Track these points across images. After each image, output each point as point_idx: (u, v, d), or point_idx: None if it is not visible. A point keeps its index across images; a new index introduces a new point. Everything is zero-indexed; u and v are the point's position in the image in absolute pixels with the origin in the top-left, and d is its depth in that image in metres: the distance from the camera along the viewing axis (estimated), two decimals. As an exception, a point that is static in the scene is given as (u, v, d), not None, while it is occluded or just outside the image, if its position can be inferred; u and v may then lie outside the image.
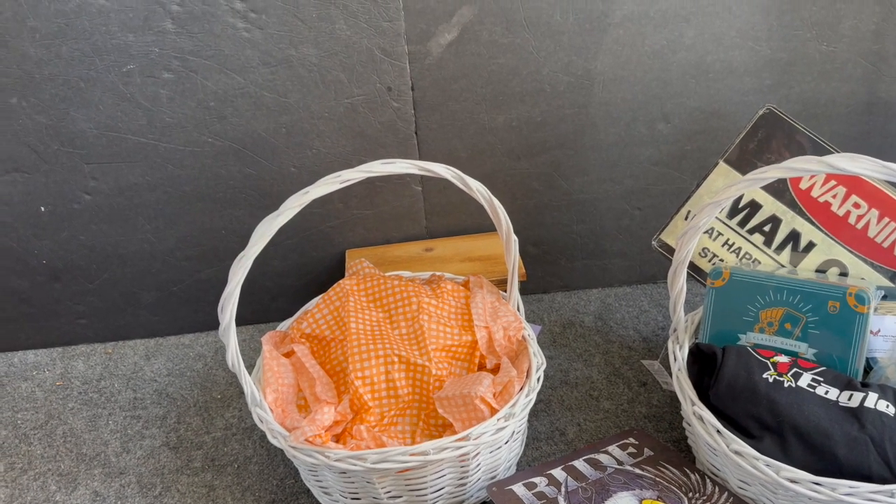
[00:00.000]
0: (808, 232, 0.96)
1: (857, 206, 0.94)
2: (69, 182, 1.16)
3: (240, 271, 0.78)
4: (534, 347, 0.94)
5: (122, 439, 1.08)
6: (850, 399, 0.80)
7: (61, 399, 1.18)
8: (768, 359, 0.86)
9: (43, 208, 1.18)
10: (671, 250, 1.02)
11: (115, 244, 1.22)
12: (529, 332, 0.97)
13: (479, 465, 0.86)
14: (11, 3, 1.02)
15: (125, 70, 1.08)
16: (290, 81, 1.12)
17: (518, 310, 1.00)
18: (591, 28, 1.12)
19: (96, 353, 1.29)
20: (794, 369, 0.84)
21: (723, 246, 0.99)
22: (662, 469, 0.86)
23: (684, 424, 0.94)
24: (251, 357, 1.24)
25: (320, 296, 1.03)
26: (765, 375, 0.83)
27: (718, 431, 0.80)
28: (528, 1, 1.10)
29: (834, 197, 0.95)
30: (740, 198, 0.99)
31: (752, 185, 0.77)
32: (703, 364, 0.89)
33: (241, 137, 1.15)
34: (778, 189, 0.97)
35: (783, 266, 0.96)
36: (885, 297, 0.92)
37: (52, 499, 0.99)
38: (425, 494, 0.85)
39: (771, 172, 0.75)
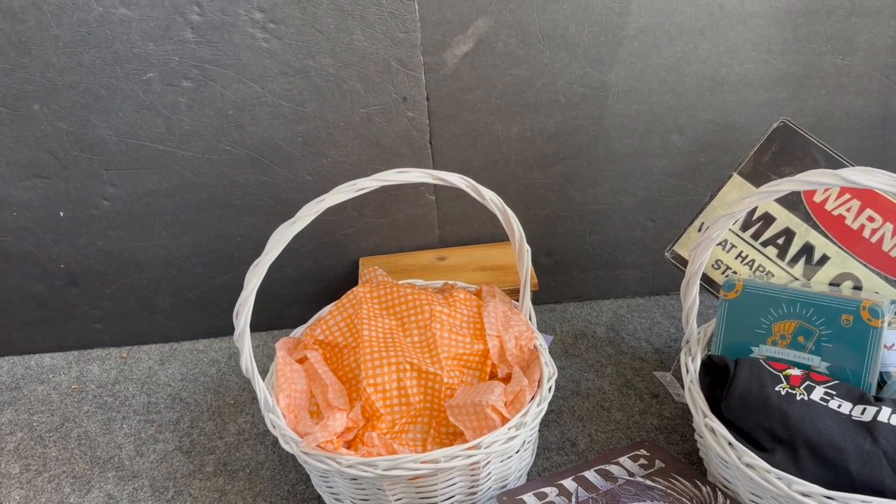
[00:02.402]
0: (821, 245, 0.95)
1: (871, 219, 0.93)
2: (88, 188, 1.18)
3: (255, 278, 0.79)
4: (545, 357, 0.94)
5: (135, 443, 1.09)
6: (863, 413, 0.79)
7: (76, 402, 1.19)
8: (781, 371, 0.85)
9: (62, 213, 1.20)
10: (684, 262, 1.02)
11: (132, 250, 1.24)
12: (541, 342, 0.98)
13: (489, 474, 0.86)
14: (35, 11, 1.04)
15: (145, 78, 1.10)
16: (308, 91, 1.13)
17: (530, 319, 1.00)
18: (606, 40, 1.13)
19: (111, 358, 1.30)
20: (807, 382, 0.84)
21: (736, 258, 0.99)
22: (673, 481, 0.86)
23: (696, 436, 0.94)
24: (264, 363, 1.25)
25: (334, 303, 1.03)
26: (777, 388, 0.83)
27: (730, 444, 0.80)
28: (543, 13, 1.10)
29: (848, 210, 0.94)
30: (754, 210, 0.99)
31: (766, 198, 0.77)
32: (716, 376, 0.89)
33: (258, 146, 1.17)
34: (792, 202, 0.97)
35: (797, 279, 0.96)
36: (899, 312, 0.91)
37: (66, 501, 1.00)
38: (436, 502, 0.85)
39: (785, 185, 0.75)
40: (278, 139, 1.17)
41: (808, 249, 0.96)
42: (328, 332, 0.99)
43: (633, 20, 1.12)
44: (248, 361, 0.82)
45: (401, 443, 0.90)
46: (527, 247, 0.93)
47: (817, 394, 0.82)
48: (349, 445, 0.89)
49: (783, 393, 0.82)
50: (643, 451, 0.93)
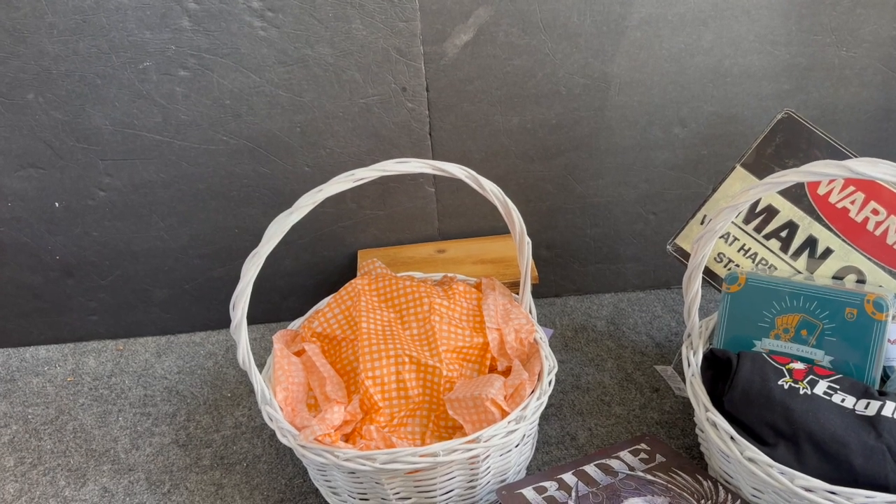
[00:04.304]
0: (825, 238, 0.94)
1: (875, 212, 0.92)
2: (84, 178, 1.17)
3: (252, 269, 0.78)
4: (545, 351, 0.93)
5: (131, 436, 1.08)
6: (866, 407, 0.79)
7: (72, 395, 1.18)
8: (784, 365, 0.85)
9: (57, 204, 1.19)
10: (686, 255, 1.01)
11: (129, 241, 1.23)
12: (541, 336, 0.97)
13: (488, 468, 0.85)
14: (30, -1, 1.03)
15: (141, 67, 1.09)
16: (306, 80, 1.12)
17: (530, 313, 0.99)
18: (609, 31, 1.12)
19: (107, 350, 1.29)
20: (810, 376, 0.83)
21: (739, 251, 0.98)
22: (674, 475, 0.85)
23: (697, 431, 0.93)
24: (261, 356, 1.24)
25: (332, 295, 1.02)
26: (780, 382, 0.82)
27: (732, 438, 0.79)
28: (545, 2, 1.09)
29: (852, 203, 0.93)
30: (757, 203, 0.98)
31: (769, 189, 0.76)
32: (718, 370, 0.88)
33: (256, 136, 1.16)
34: (795, 194, 0.96)
35: (800, 272, 0.95)
36: (903, 305, 0.90)
37: (62, 494, 0.99)
38: (434, 496, 0.84)
39: (789, 176, 0.74)
40: (276, 129, 1.15)
41: (811, 242, 0.95)
42: (326, 324, 0.98)
43: (636, 10, 1.11)
44: (245, 354, 0.81)
45: (399, 436, 0.90)
46: (527, 239, 0.92)
47: (820, 388, 0.81)
48: (347, 439, 0.88)
49: (786, 387, 0.81)
50: (644, 446, 0.92)
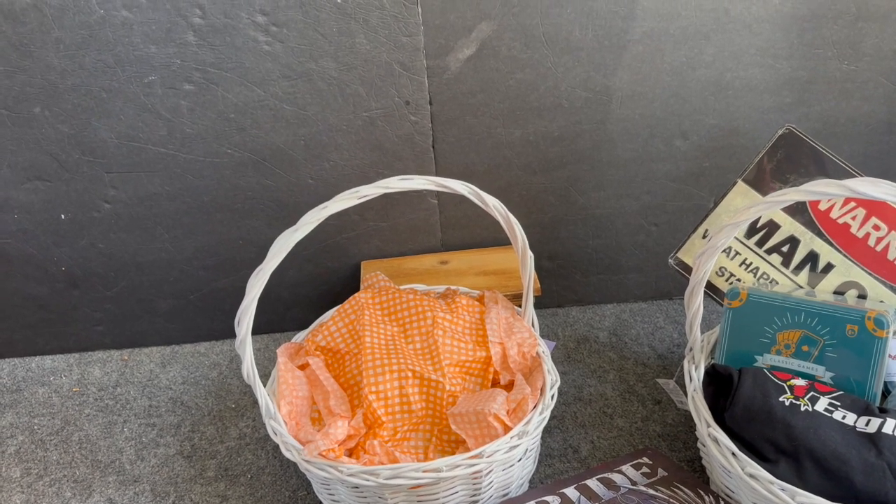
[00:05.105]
0: (826, 253, 0.95)
1: (877, 228, 0.93)
2: (89, 190, 1.18)
3: (257, 285, 0.79)
4: (548, 364, 0.94)
5: (136, 447, 1.09)
6: (867, 424, 0.79)
7: (77, 405, 1.19)
8: (785, 382, 0.85)
9: (63, 216, 1.19)
10: (688, 269, 1.01)
11: (134, 252, 1.24)
12: (544, 349, 0.97)
13: (491, 482, 0.86)
14: (37, 13, 1.03)
15: (147, 81, 1.09)
16: (310, 94, 1.13)
17: (533, 325, 1.00)
18: (611, 44, 1.12)
19: (112, 360, 1.30)
20: (811, 393, 0.83)
21: (740, 265, 0.98)
22: (676, 490, 0.85)
23: (699, 445, 0.94)
24: (265, 366, 1.25)
25: (335, 308, 1.03)
26: (781, 399, 0.83)
27: (733, 454, 0.79)
28: (547, 17, 1.10)
29: (853, 219, 0.94)
30: (758, 217, 0.98)
31: (771, 208, 0.77)
32: (719, 385, 0.89)
33: (260, 149, 1.16)
34: (797, 209, 0.97)
35: (801, 287, 0.96)
36: (904, 321, 0.91)
37: (67, 505, 1.00)
38: (437, 511, 0.85)
39: (791, 195, 0.75)
40: (280, 143, 1.16)
41: (812, 257, 0.95)
42: (330, 338, 0.99)
43: (638, 24, 1.11)
44: (249, 369, 0.82)
45: (402, 451, 0.90)
46: (530, 253, 0.93)
47: (821, 405, 0.82)
48: (350, 453, 0.89)
49: (787, 403, 0.82)
50: (646, 460, 0.92)
